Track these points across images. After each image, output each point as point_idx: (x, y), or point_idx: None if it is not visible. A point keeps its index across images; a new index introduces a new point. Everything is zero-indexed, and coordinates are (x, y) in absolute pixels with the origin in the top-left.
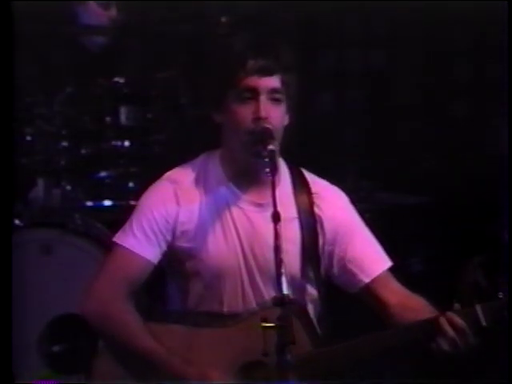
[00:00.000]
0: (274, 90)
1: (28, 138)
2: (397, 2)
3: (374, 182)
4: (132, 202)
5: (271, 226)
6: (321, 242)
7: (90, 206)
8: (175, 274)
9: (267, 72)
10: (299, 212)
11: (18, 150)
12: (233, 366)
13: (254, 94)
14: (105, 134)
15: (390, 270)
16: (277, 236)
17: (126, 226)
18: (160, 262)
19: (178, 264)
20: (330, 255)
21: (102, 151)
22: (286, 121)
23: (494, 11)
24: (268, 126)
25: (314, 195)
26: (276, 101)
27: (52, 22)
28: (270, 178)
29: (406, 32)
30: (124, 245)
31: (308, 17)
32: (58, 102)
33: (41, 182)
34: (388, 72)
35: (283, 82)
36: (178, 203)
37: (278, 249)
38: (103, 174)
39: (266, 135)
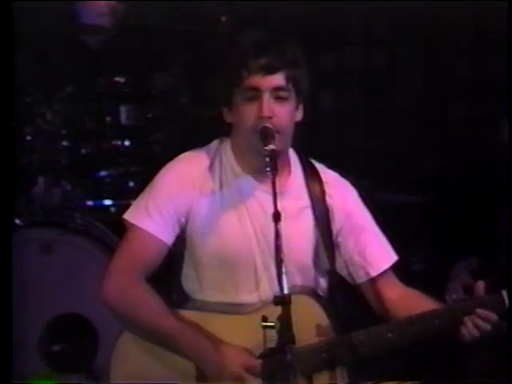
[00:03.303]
0: (277, 88)
1: (28, 137)
2: (397, 2)
3: (374, 182)
4: (132, 202)
5: (284, 214)
6: (334, 230)
7: (91, 206)
8: (191, 261)
9: (270, 70)
10: (312, 201)
11: (18, 150)
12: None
13: (258, 93)
14: (105, 133)
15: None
16: (277, 236)
17: (141, 204)
18: (175, 244)
19: (192, 250)
20: (338, 245)
21: (102, 151)
22: (297, 117)
23: (493, 11)
24: (269, 125)
25: (325, 184)
26: (281, 99)
27: (52, 21)
28: (271, 177)
29: (406, 32)
30: (141, 226)
31: (308, 17)
32: (58, 101)
33: (41, 182)
34: (388, 72)
35: (289, 79)
36: (194, 187)
37: (278, 248)
38: (103, 173)
39: (266, 135)
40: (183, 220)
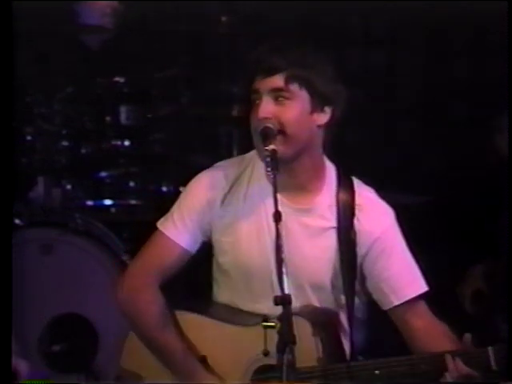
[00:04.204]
0: (276, 90)
1: (28, 137)
2: (397, 2)
3: (374, 182)
4: (132, 202)
5: (306, 232)
6: (358, 254)
7: (91, 206)
8: (215, 265)
9: (268, 72)
10: (338, 222)
11: (18, 150)
12: (247, 367)
13: (259, 95)
14: (105, 133)
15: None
16: (277, 235)
17: (171, 211)
18: (198, 251)
19: (216, 255)
20: (364, 270)
21: (102, 151)
22: (319, 120)
23: (493, 11)
24: (270, 125)
25: (356, 207)
26: (281, 99)
27: (52, 21)
28: (272, 177)
29: (406, 32)
30: (163, 231)
31: (308, 17)
32: (58, 101)
33: (41, 182)
34: (388, 72)
35: (292, 79)
36: (219, 198)
37: (279, 248)
38: (103, 173)
39: (267, 135)
40: (207, 228)
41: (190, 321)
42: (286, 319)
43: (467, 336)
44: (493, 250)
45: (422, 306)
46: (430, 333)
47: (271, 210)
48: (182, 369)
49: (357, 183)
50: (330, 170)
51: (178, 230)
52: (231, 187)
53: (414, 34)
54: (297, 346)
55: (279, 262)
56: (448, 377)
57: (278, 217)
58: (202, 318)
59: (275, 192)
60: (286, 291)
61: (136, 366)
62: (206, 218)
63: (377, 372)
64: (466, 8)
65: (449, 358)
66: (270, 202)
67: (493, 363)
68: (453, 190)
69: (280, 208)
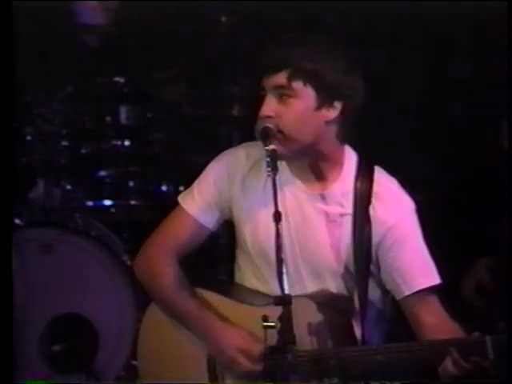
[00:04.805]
0: (279, 87)
1: (28, 137)
2: (397, 2)
3: None
4: (132, 202)
5: (322, 218)
6: (372, 243)
7: (90, 206)
8: (237, 245)
9: (271, 70)
10: (354, 209)
11: (18, 150)
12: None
13: (265, 93)
14: (105, 133)
15: (438, 288)
16: (278, 235)
17: (192, 185)
18: (217, 228)
19: (237, 236)
20: (379, 259)
21: (101, 151)
22: (326, 116)
23: (494, 11)
24: (269, 125)
25: (373, 195)
26: (285, 97)
27: (52, 21)
28: (271, 177)
29: (406, 32)
30: (182, 204)
31: (308, 17)
32: (58, 101)
33: (41, 182)
34: (388, 72)
35: (296, 76)
36: (239, 178)
37: (279, 248)
38: (103, 173)
39: (266, 135)
40: (226, 205)
41: (207, 297)
42: (286, 319)
43: (476, 335)
44: (494, 249)
45: (434, 301)
46: (439, 331)
47: (289, 192)
48: (199, 325)
49: (378, 172)
50: (351, 158)
51: (197, 204)
52: (251, 167)
53: (413, 34)
54: (305, 329)
55: (279, 262)
56: (446, 366)
57: (277, 217)
58: (219, 296)
59: (275, 192)
60: (286, 291)
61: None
62: (226, 195)
63: (379, 357)
64: (466, 8)
65: (448, 349)
66: (289, 183)
67: (490, 352)
68: (452, 189)
69: (297, 193)
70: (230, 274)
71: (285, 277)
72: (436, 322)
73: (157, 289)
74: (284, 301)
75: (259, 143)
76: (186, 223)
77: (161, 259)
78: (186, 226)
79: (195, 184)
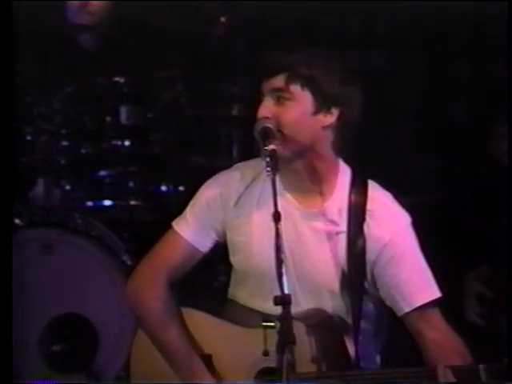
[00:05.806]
0: (277, 90)
1: (28, 137)
2: (397, 1)
3: (375, 182)
4: (132, 202)
5: (316, 236)
6: (367, 261)
7: (90, 206)
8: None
9: (270, 73)
10: (348, 227)
11: (18, 150)
12: (251, 368)
13: (263, 95)
14: (105, 133)
15: (438, 302)
16: (277, 236)
17: (185, 209)
18: (211, 250)
19: (230, 254)
20: (375, 277)
21: (101, 151)
22: (324, 121)
23: (493, 11)
24: (269, 125)
25: (367, 212)
26: (283, 100)
27: (52, 21)
28: (271, 177)
29: (406, 32)
30: (175, 228)
31: (308, 17)
32: (58, 101)
33: (41, 182)
34: (388, 72)
35: (293, 80)
36: (232, 199)
37: (278, 248)
38: (103, 173)
39: (266, 135)
40: (220, 227)
41: (197, 319)
42: (285, 319)
43: (480, 367)
44: (492, 254)
45: (435, 315)
46: (441, 346)
47: (284, 210)
48: (184, 367)
49: (372, 187)
50: (344, 173)
51: (190, 228)
52: (246, 188)
53: (413, 34)
54: (297, 349)
55: (279, 262)
56: None
57: (277, 217)
58: (209, 316)
59: (275, 192)
60: (286, 291)
61: (145, 363)
62: (220, 216)
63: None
64: (466, 8)
65: (441, 370)
66: (283, 201)
67: (483, 378)
68: (452, 190)
69: (291, 211)
70: (230, 274)
71: (284, 277)
72: (438, 337)
73: (146, 324)
74: (284, 301)
75: (254, 163)
76: (179, 246)
77: (149, 289)
78: (178, 249)
79: (188, 207)
